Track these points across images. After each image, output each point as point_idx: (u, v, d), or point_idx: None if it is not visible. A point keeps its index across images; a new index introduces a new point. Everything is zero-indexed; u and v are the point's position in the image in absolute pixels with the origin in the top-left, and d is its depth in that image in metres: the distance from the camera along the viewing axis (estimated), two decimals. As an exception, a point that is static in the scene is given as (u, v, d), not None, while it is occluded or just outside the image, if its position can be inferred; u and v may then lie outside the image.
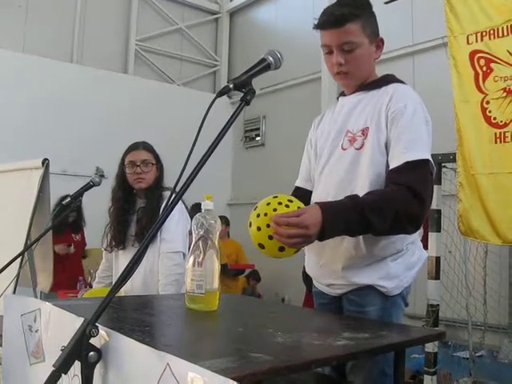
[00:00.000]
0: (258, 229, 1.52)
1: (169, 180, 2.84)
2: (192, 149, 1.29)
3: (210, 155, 1.27)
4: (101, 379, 1.04)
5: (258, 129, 10.56)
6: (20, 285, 3.18)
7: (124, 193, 2.78)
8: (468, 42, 3.47)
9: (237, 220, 7.22)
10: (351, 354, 1.07)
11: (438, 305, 4.13)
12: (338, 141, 1.79)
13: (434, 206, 4.35)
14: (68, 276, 4.99)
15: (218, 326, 1.36)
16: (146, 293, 2.54)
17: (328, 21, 1.73)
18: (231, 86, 1.31)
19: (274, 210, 1.51)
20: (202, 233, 1.46)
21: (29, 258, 3.53)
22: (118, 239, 2.72)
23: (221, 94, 1.27)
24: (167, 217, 1.24)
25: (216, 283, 1.45)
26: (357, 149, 1.71)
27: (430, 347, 4.37)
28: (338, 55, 1.74)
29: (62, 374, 1.00)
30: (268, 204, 1.55)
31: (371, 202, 1.53)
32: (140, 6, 10.49)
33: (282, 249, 1.52)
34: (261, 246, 1.56)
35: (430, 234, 4.50)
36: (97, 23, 9.90)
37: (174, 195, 1.23)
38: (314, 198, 1.81)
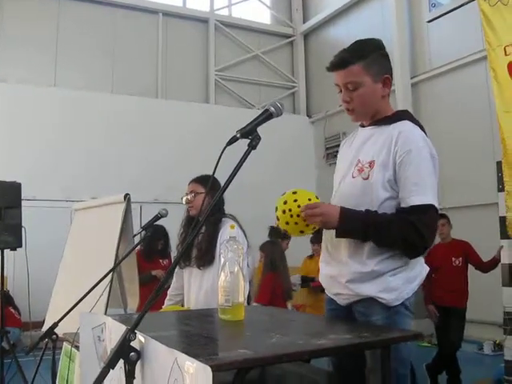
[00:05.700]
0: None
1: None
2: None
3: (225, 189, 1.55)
4: (139, 372, 1.36)
5: (338, 145, 10.68)
6: (111, 306, 3.60)
7: (188, 219, 3.11)
8: (506, 54, 3.51)
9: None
10: (322, 351, 1.30)
11: (515, 311, 4.18)
12: (350, 168, 1.99)
13: (500, 213, 4.37)
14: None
15: (234, 331, 1.64)
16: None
17: (333, 64, 1.99)
18: (238, 135, 1.57)
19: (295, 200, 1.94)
20: (228, 256, 1.75)
21: (119, 282, 3.98)
22: (182, 260, 2.98)
23: (229, 143, 1.54)
24: (194, 238, 1.52)
25: (241, 297, 1.73)
26: (364, 179, 1.92)
27: (509, 355, 4.35)
28: (344, 94, 1.98)
29: (110, 370, 1.34)
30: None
31: (381, 221, 1.83)
32: (216, 38, 11.08)
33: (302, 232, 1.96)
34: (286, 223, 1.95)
35: (501, 241, 4.49)
36: (177, 59, 10.60)
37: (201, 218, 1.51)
38: None
